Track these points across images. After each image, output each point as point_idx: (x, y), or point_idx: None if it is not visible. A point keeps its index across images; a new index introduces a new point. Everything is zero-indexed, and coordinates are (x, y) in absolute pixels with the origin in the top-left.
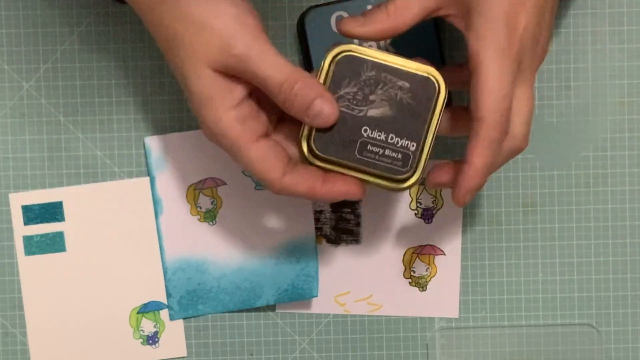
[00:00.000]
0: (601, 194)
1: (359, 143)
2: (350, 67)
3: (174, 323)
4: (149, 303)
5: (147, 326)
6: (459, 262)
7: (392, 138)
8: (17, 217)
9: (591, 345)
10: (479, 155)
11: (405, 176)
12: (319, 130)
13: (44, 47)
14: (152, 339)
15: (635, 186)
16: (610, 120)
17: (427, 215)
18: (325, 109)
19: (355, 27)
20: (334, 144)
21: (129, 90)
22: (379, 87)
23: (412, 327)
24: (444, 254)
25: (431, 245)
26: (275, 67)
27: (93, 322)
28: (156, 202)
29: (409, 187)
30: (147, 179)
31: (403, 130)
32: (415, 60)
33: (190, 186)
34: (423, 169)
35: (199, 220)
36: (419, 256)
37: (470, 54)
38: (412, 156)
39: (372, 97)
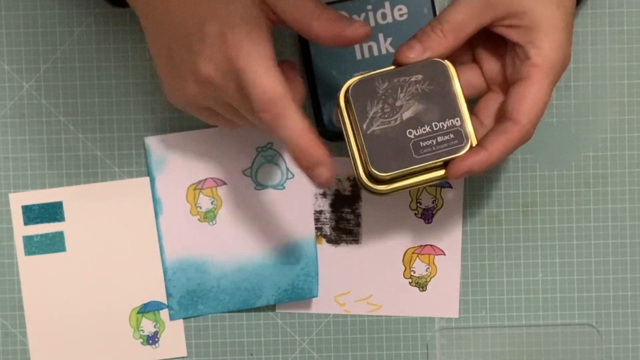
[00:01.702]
0: (601, 194)
1: (411, 146)
2: (365, 90)
3: (174, 323)
4: (149, 303)
5: (147, 326)
6: (459, 262)
7: (435, 126)
8: (17, 217)
9: (591, 345)
10: (498, 149)
11: (467, 149)
12: (371, 156)
13: (44, 47)
14: (152, 339)
15: (635, 186)
16: (610, 120)
17: (427, 215)
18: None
19: (416, 55)
20: (391, 160)
21: (129, 90)
22: (399, 91)
23: (412, 327)
24: (444, 254)
25: (431, 245)
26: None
27: (93, 322)
28: (156, 202)
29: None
30: (147, 179)
31: (441, 114)
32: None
33: (190, 186)
34: (474, 136)
35: (199, 220)
36: (419, 256)
37: (526, 64)
38: (461, 129)
39: (398, 103)
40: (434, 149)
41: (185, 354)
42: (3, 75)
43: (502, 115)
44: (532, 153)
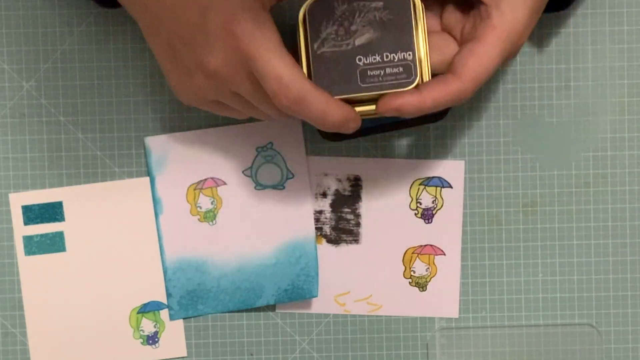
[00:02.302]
0: (601, 194)
1: (358, 73)
2: (323, 9)
3: (174, 323)
4: (149, 303)
5: (147, 326)
6: (459, 262)
7: (387, 56)
8: (17, 217)
9: (591, 345)
10: (433, 96)
11: (414, 85)
12: (316, 75)
13: (44, 47)
14: (152, 339)
15: (635, 186)
16: (610, 120)
17: (427, 215)
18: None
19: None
20: (336, 83)
21: (129, 90)
22: (356, 15)
23: (412, 327)
24: (444, 254)
25: (431, 245)
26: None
27: (93, 322)
28: (156, 202)
29: None
30: (147, 179)
31: (394, 46)
32: None
33: (190, 186)
34: (429, 70)
35: (199, 220)
36: (419, 256)
37: (484, 23)
38: (412, 64)
39: (353, 28)
40: (380, 79)
41: (185, 354)
42: (3, 75)
43: (447, 69)
44: (532, 153)
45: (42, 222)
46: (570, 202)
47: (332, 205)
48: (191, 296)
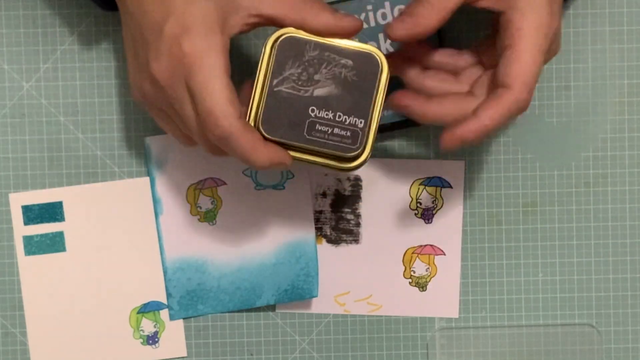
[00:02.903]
0: (601, 194)
1: (307, 123)
2: (293, 48)
3: (174, 323)
4: (149, 303)
5: (147, 326)
6: (459, 262)
7: (339, 116)
8: (17, 217)
9: (591, 345)
10: (491, 116)
11: (355, 154)
12: (265, 113)
13: (44, 47)
14: (152, 339)
15: (635, 186)
16: (610, 120)
17: (427, 215)
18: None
19: (408, 30)
20: (282, 126)
21: (129, 90)
22: (323, 66)
23: (412, 327)
24: (444, 254)
25: (431, 245)
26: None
27: (93, 322)
28: (156, 202)
29: (358, 167)
30: (147, 179)
31: (350, 108)
32: (357, 42)
33: (190, 186)
34: (372, 146)
35: (199, 220)
36: (419, 256)
37: (509, 29)
38: (360, 133)
39: (317, 77)
40: (326, 137)
41: (185, 354)
42: (3, 75)
43: (494, 85)
44: (532, 153)
45: (42, 222)
46: (570, 202)
47: (332, 205)
48: (191, 296)
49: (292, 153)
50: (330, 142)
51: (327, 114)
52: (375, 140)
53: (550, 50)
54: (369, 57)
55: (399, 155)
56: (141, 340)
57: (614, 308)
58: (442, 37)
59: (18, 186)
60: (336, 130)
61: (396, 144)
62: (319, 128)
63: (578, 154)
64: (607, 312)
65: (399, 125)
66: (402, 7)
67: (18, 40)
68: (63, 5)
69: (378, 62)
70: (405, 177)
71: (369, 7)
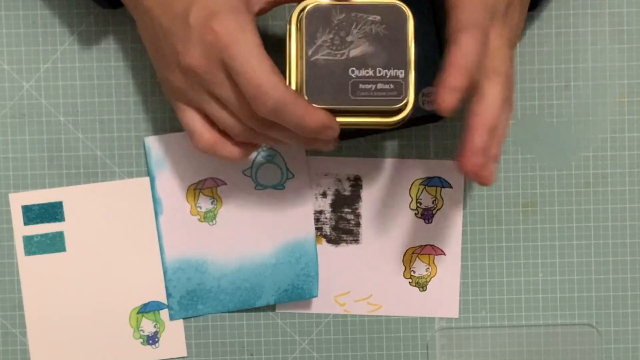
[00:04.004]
0: (601, 194)
1: (350, 85)
2: (320, 16)
3: (174, 323)
4: (149, 303)
5: (147, 326)
6: (459, 262)
7: (379, 71)
8: (17, 217)
9: (591, 345)
10: (463, 57)
11: (402, 104)
12: (308, 83)
13: (44, 47)
14: (152, 339)
15: (635, 186)
16: (610, 120)
17: (427, 215)
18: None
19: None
20: (327, 92)
21: (129, 90)
22: (353, 26)
23: (412, 327)
24: (444, 254)
25: (431, 245)
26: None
27: (93, 322)
28: (156, 202)
29: (404, 118)
30: (147, 179)
31: (388, 61)
32: None
33: (190, 186)
34: (413, 97)
35: (199, 220)
36: (419, 256)
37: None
38: (403, 83)
39: (349, 38)
40: (371, 94)
41: (185, 354)
42: (3, 75)
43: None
44: (532, 153)
45: (42, 222)
46: (570, 202)
47: (332, 205)
48: (191, 296)
49: (339, 119)
50: (376, 97)
51: (367, 72)
52: (414, 91)
53: (507, 17)
54: (394, 9)
55: (399, 155)
56: (141, 340)
57: (614, 308)
58: (436, 19)
59: (18, 186)
60: (380, 86)
61: (396, 144)
62: (362, 87)
63: (578, 154)
64: (607, 312)
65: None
66: None
67: (18, 40)
68: (63, 5)
69: (403, 11)
70: (405, 177)
71: None
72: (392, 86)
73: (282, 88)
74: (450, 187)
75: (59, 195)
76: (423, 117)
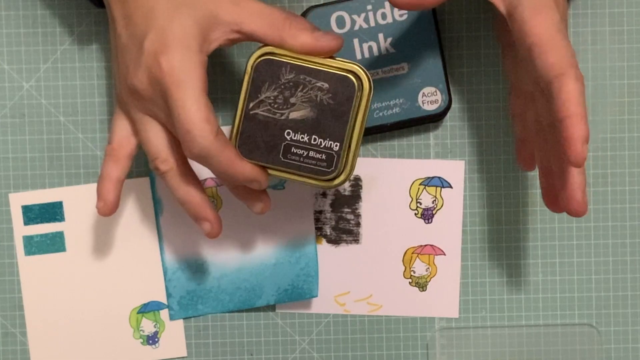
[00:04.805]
0: (601, 194)
1: (282, 146)
2: (269, 71)
3: (174, 323)
4: (149, 303)
5: (147, 326)
6: (459, 262)
7: (315, 139)
8: (17, 217)
9: (591, 345)
10: (579, 105)
11: (330, 177)
12: (242, 135)
13: (44, 47)
14: (152, 339)
15: (635, 186)
16: (610, 120)
17: (427, 215)
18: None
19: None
20: (259, 148)
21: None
22: (299, 89)
23: (412, 327)
24: (444, 254)
25: (431, 245)
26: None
27: (93, 322)
28: (156, 202)
29: (339, 185)
30: (147, 179)
31: (325, 131)
32: (339, 60)
33: None
34: (352, 166)
35: None
36: (419, 256)
37: (524, 28)
38: (336, 156)
39: (292, 100)
40: (301, 160)
41: (185, 354)
42: (3, 75)
43: (541, 84)
44: None
45: (42, 222)
46: None
47: (332, 205)
48: (191, 296)
49: (271, 171)
50: (305, 164)
51: (302, 137)
52: (356, 160)
53: (564, 16)
54: (344, 80)
55: (399, 155)
56: (141, 340)
57: (614, 308)
58: (436, 19)
59: (18, 186)
60: (311, 153)
61: (396, 144)
62: (294, 151)
63: None
64: (607, 312)
65: (399, 125)
66: None
67: (18, 40)
68: (63, 5)
69: (354, 84)
70: (405, 177)
71: (369, 7)
72: (323, 156)
73: (209, 138)
74: (450, 187)
75: (59, 195)
76: (423, 117)
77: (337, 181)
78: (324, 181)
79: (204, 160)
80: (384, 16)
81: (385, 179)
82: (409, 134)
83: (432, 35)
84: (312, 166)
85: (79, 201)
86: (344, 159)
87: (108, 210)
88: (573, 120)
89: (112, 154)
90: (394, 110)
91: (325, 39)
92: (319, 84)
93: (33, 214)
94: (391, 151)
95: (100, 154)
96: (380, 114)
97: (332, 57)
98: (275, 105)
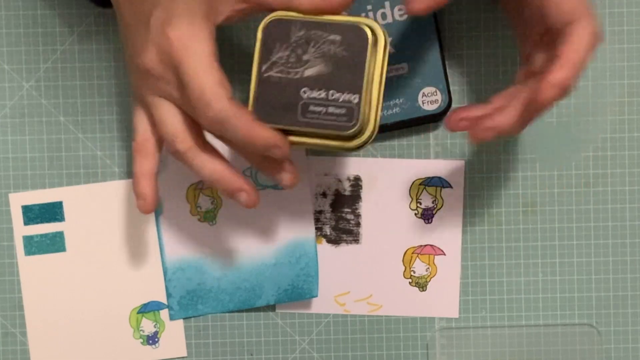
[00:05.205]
0: (601, 194)
1: (300, 105)
2: (279, 31)
3: (174, 323)
4: (149, 303)
5: (147, 326)
6: (459, 262)
7: (332, 94)
8: (17, 217)
9: (591, 345)
10: (574, 51)
11: (352, 131)
12: (258, 100)
13: (44, 47)
14: (152, 339)
15: (635, 186)
16: (610, 120)
17: (427, 215)
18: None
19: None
20: (276, 110)
21: (129, 90)
22: (311, 45)
23: (412, 327)
24: (444, 254)
25: (431, 245)
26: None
27: (93, 322)
28: None
29: (362, 145)
30: None
31: (342, 85)
32: (349, 16)
33: (190, 186)
34: (375, 122)
35: (199, 220)
36: (419, 256)
37: (566, 44)
38: (356, 108)
39: (305, 57)
40: (320, 117)
41: (185, 354)
42: (3, 75)
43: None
44: (532, 153)
45: (42, 222)
46: (570, 202)
47: (332, 205)
48: (191, 296)
49: (292, 138)
50: (326, 121)
51: (319, 94)
52: (379, 116)
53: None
54: (356, 30)
55: (399, 155)
56: (141, 340)
57: (614, 308)
58: (436, 19)
59: (18, 186)
60: (331, 109)
61: (396, 144)
62: (313, 109)
63: (578, 154)
64: (607, 312)
65: (399, 125)
66: (402, 6)
67: (18, 40)
68: (63, 5)
69: (366, 33)
70: (405, 177)
71: (369, 7)
72: (343, 111)
73: (224, 101)
74: (450, 187)
75: (59, 195)
76: (423, 117)
77: (361, 139)
78: (347, 139)
79: (220, 126)
80: (384, 16)
81: (385, 179)
82: (409, 134)
83: (432, 35)
84: (332, 122)
85: (79, 201)
86: (366, 114)
87: (150, 207)
88: (560, 63)
89: (139, 149)
90: (394, 110)
91: None
92: (330, 37)
93: (33, 214)
94: (391, 151)
95: (101, 154)
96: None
97: (344, 15)
98: (289, 65)
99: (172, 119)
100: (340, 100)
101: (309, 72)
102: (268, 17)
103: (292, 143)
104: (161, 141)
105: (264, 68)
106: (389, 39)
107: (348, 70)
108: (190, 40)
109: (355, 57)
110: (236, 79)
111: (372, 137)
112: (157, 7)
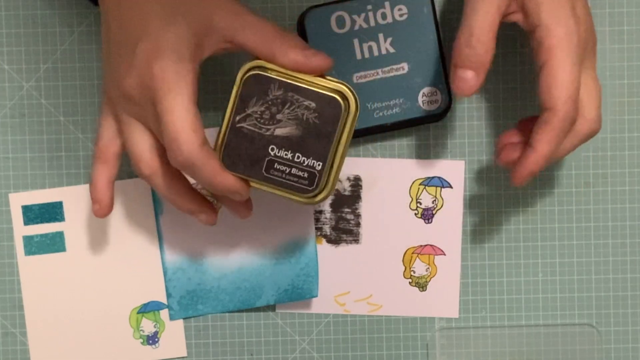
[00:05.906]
0: (601, 194)
1: (266, 161)
2: (258, 86)
3: (174, 323)
4: (149, 303)
5: (147, 326)
6: (459, 262)
7: (298, 157)
8: (17, 217)
9: (591, 345)
10: (545, 143)
11: (311, 195)
12: (227, 147)
13: (44, 47)
14: (152, 339)
15: (635, 186)
16: (610, 120)
17: (427, 215)
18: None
19: (474, 84)
20: (242, 161)
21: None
22: (286, 106)
23: (412, 327)
24: (444, 254)
25: (431, 245)
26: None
27: (93, 322)
28: (156, 202)
29: (319, 202)
30: None
31: (309, 150)
32: (329, 79)
33: None
34: (333, 185)
35: None
36: (419, 256)
37: (540, 48)
38: (318, 175)
39: (279, 117)
40: (283, 176)
41: (185, 354)
42: (3, 75)
43: (541, 110)
44: None
45: (42, 222)
46: (570, 202)
47: (332, 205)
48: (191, 296)
49: (253, 183)
50: (288, 181)
51: (286, 154)
52: (337, 179)
53: (587, 48)
54: (331, 101)
55: (399, 155)
56: (141, 340)
57: (614, 308)
58: (436, 19)
59: (18, 186)
60: (294, 171)
61: (396, 144)
62: (277, 167)
63: (578, 154)
64: (607, 312)
65: (399, 125)
66: (402, 6)
67: (18, 40)
68: (63, 5)
69: (340, 106)
70: (405, 177)
71: (369, 7)
72: (305, 175)
73: (194, 148)
74: (450, 187)
75: (59, 195)
76: (423, 117)
77: (317, 199)
78: (304, 198)
79: (188, 169)
80: (384, 16)
81: (385, 179)
82: (409, 134)
83: (432, 35)
84: (293, 183)
85: (79, 201)
86: (326, 178)
87: (104, 212)
88: (532, 153)
89: (99, 155)
90: (394, 110)
91: (316, 58)
92: (306, 103)
93: (33, 214)
94: (391, 151)
95: None
96: (380, 114)
97: (322, 76)
98: (262, 121)
99: (140, 141)
100: (305, 164)
101: (279, 132)
102: (249, 65)
103: (252, 186)
104: (122, 150)
105: (237, 118)
106: (357, 106)
107: (317, 138)
108: (172, 81)
109: (326, 126)
110: (218, 80)
111: (328, 196)
112: (147, 35)
